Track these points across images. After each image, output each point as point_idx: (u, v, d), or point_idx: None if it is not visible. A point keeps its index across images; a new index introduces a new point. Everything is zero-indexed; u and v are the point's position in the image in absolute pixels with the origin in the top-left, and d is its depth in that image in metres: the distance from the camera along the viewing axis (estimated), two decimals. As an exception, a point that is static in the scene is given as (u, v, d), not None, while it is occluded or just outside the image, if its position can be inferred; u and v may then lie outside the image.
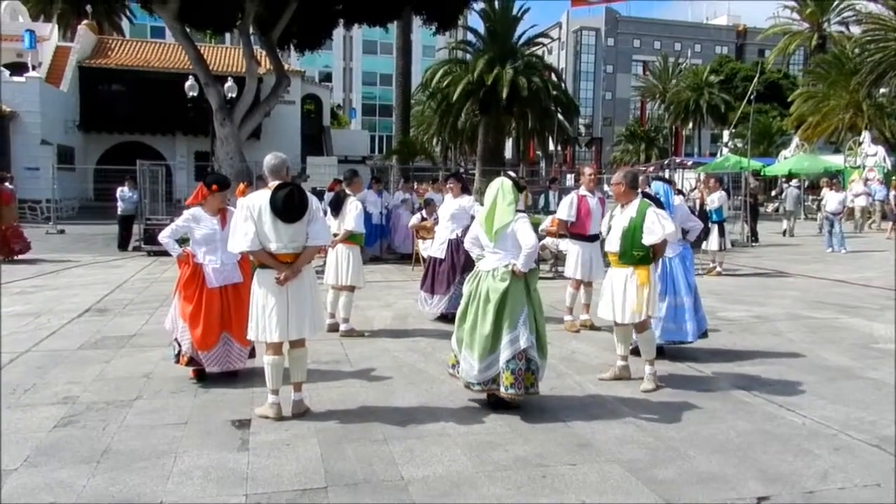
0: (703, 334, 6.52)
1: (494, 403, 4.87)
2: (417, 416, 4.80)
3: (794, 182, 24.75)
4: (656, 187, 6.26)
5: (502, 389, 4.70)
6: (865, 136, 29.34)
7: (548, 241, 11.49)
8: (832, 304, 9.36)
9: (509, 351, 4.67)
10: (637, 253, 5.35)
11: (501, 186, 4.95)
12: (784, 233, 20.81)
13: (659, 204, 5.69)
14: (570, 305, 7.73)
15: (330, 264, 7.40)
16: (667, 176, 21.66)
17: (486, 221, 4.89)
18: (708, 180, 13.89)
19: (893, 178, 26.07)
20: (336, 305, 7.44)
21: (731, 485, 3.74)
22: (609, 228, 5.62)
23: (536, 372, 4.81)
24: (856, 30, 38.62)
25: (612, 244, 5.51)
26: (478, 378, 4.74)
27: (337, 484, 3.72)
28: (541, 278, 5.62)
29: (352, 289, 7.40)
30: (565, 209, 7.75)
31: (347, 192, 7.52)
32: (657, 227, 5.26)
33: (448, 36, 36.48)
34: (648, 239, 5.29)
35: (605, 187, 14.40)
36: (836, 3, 41.89)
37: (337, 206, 7.39)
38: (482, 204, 8.67)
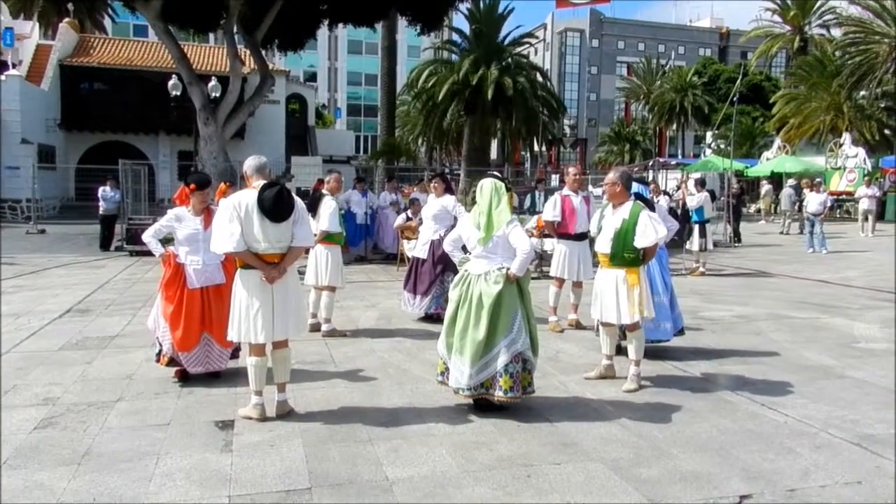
0: (680, 332, 6.57)
1: (481, 406, 4.85)
2: (402, 416, 4.79)
3: (790, 182, 25.04)
4: (635, 188, 6.27)
5: (500, 393, 4.65)
6: (846, 137, 29.65)
7: (532, 241, 11.51)
8: (814, 303, 9.45)
9: (507, 355, 4.64)
10: (628, 255, 5.35)
11: (495, 186, 4.91)
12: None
13: (650, 206, 5.71)
14: (553, 305, 7.75)
15: (310, 265, 7.37)
16: (650, 177, 21.83)
17: (487, 223, 4.80)
18: (692, 182, 13.99)
19: (876, 177, 26.41)
20: (318, 305, 7.41)
21: (714, 483, 3.77)
22: (600, 229, 5.60)
23: (532, 371, 4.81)
24: (836, 33, 39.03)
25: (603, 245, 5.49)
26: (469, 383, 4.68)
27: (321, 485, 3.70)
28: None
29: (332, 289, 7.37)
30: (549, 210, 7.81)
31: (324, 191, 7.48)
32: (650, 231, 5.28)
33: (433, 36, 36.46)
34: (641, 242, 5.29)
35: (591, 188, 14.46)
36: (817, 6, 42.31)
37: (313, 207, 7.36)
38: (465, 205, 8.73)
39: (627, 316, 5.36)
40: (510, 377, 4.64)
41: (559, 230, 7.79)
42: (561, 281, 7.78)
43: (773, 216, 28.67)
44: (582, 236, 7.76)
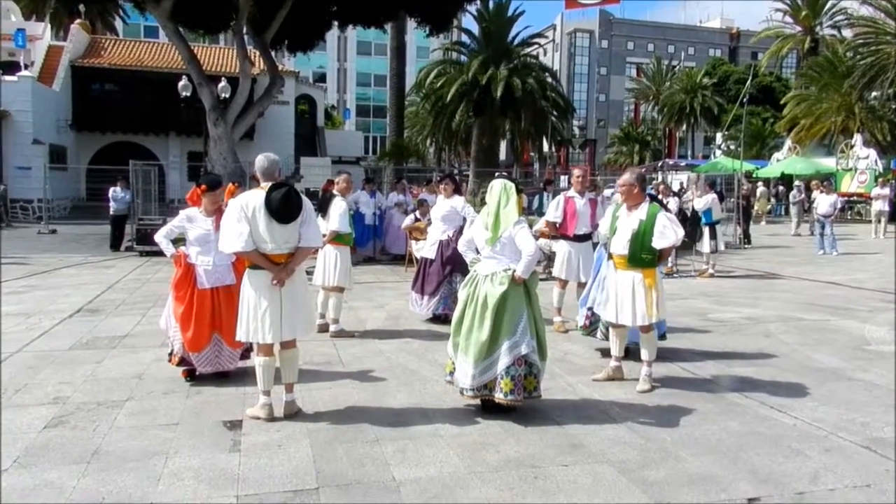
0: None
1: (488, 407, 4.85)
2: (409, 416, 4.80)
3: (797, 183, 25.04)
4: None
5: (500, 395, 4.64)
6: (857, 138, 29.47)
7: (541, 242, 11.48)
8: (824, 305, 9.40)
9: (509, 357, 4.62)
10: (646, 256, 5.33)
11: (504, 187, 4.91)
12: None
13: (664, 207, 5.68)
14: (557, 306, 7.75)
15: (318, 265, 7.40)
16: (660, 178, 21.79)
17: (493, 223, 4.82)
18: (700, 183, 13.92)
19: (887, 178, 26.25)
20: (326, 306, 7.43)
21: (722, 486, 3.75)
22: (615, 231, 5.56)
23: (538, 375, 4.79)
24: (847, 33, 38.80)
25: (620, 247, 5.45)
26: (472, 384, 4.68)
27: (328, 485, 3.71)
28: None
29: (341, 289, 7.39)
30: (552, 210, 7.82)
31: (334, 192, 7.51)
32: (669, 232, 5.27)
33: (442, 37, 36.50)
34: (660, 243, 5.28)
35: (607, 191, 14.39)
36: (828, 6, 42.08)
37: (323, 207, 7.39)
38: (474, 206, 8.74)
39: (644, 317, 5.35)
40: (511, 380, 4.62)
41: (559, 231, 7.79)
42: (564, 282, 7.78)
43: (768, 216, 28.81)
44: (583, 238, 7.76)
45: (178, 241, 5.73)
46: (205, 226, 5.51)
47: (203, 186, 5.51)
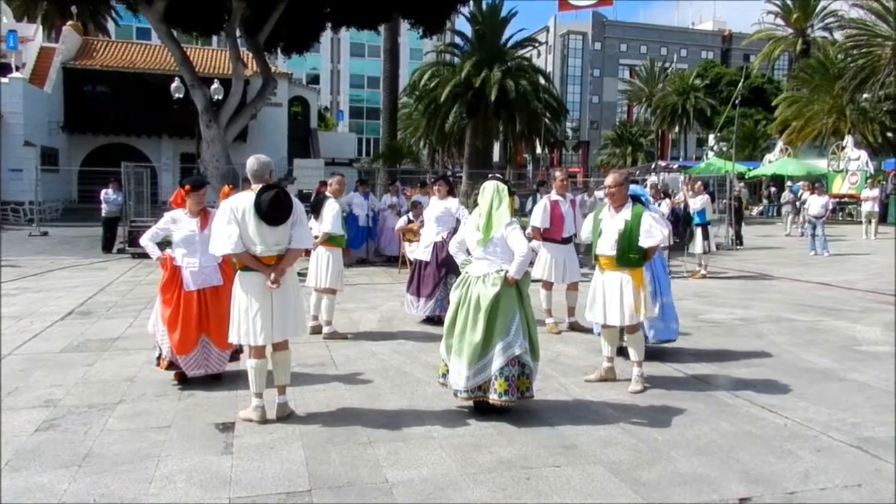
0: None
1: (482, 409, 4.85)
2: (402, 418, 4.80)
3: (788, 184, 25.23)
4: (633, 190, 6.25)
5: (495, 396, 4.65)
6: (848, 140, 29.63)
7: (534, 243, 11.50)
8: (815, 306, 9.44)
9: (503, 358, 4.63)
10: (633, 256, 5.37)
11: (497, 189, 4.92)
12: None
13: (646, 207, 5.71)
14: (546, 308, 7.76)
15: (310, 266, 7.40)
16: (653, 179, 21.84)
17: (486, 224, 4.83)
18: (693, 184, 13.98)
19: (878, 179, 26.41)
20: (319, 308, 7.42)
21: (714, 486, 3.77)
22: (599, 233, 5.57)
23: (531, 376, 4.80)
24: (839, 35, 39.02)
25: (607, 248, 5.48)
26: (466, 385, 4.68)
27: (321, 487, 3.71)
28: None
29: (333, 291, 7.38)
30: (539, 216, 7.72)
31: (327, 194, 7.52)
32: (656, 231, 5.31)
33: (436, 39, 36.50)
34: (646, 242, 5.31)
35: (598, 193, 14.41)
36: (819, 8, 42.30)
37: (316, 209, 7.39)
38: (468, 207, 8.74)
39: (633, 317, 5.37)
40: (505, 380, 4.63)
41: (546, 235, 7.74)
42: (549, 284, 7.78)
43: (759, 217, 29.11)
44: (567, 240, 7.76)
45: (166, 243, 5.70)
46: (190, 227, 5.49)
47: (187, 187, 5.49)
